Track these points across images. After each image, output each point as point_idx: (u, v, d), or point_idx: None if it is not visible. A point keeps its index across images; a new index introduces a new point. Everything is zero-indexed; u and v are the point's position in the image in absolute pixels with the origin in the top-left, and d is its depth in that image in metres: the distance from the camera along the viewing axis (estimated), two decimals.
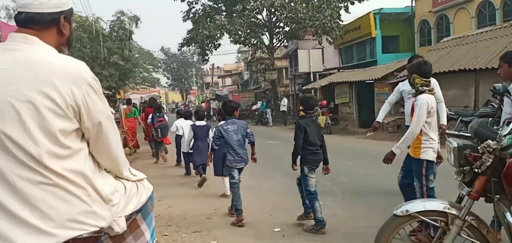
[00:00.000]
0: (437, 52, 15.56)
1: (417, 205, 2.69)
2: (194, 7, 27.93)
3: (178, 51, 39.81)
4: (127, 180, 1.78)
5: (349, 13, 25.60)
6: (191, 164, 8.40)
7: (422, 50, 18.56)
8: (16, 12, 1.60)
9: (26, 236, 1.40)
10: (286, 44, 29.07)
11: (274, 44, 27.26)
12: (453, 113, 10.86)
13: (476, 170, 2.43)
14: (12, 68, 1.45)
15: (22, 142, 1.41)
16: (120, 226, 1.62)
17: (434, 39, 20.06)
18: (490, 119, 10.40)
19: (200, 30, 25.40)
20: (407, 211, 2.64)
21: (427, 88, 3.87)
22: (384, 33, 22.51)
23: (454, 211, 2.53)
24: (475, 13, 17.93)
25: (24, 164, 1.41)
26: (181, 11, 28.11)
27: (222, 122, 5.78)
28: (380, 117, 5.54)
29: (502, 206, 2.42)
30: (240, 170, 5.31)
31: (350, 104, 18.97)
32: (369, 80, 17.35)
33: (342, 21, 24.44)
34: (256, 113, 27.32)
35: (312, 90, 21.94)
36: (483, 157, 2.38)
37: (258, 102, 29.32)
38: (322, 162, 4.86)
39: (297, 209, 5.01)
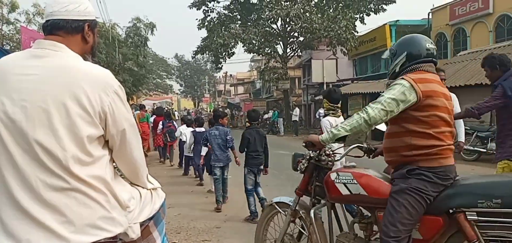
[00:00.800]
0: (454, 65, 15.35)
1: (277, 198, 3.50)
2: (209, 16, 28.19)
3: (192, 58, 40.02)
4: (143, 187, 1.80)
5: (365, 24, 25.57)
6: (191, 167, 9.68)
7: (438, 63, 18.35)
8: (44, 21, 1.64)
9: (45, 241, 1.41)
10: (300, 54, 29.07)
11: (288, 54, 27.28)
12: (468, 128, 10.68)
13: (298, 171, 3.17)
14: (42, 74, 1.47)
15: (51, 146, 1.42)
16: (135, 232, 1.63)
17: (451, 52, 19.83)
18: None
19: (214, 38, 25.55)
20: (271, 201, 3.50)
21: (332, 112, 4.62)
22: None
23: (292, 205, 3.22)
24: (493, 27, 17.68)
25: (49, 170, 1.42)
26: (197, 19, 28.38)
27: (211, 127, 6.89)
28: None
29: (323, 205, 3.08)
30: (220, 168, 6.30)
31: None
32: (383, 92, 17.13)
33: (357, 32, 24.36)
34: (268, 122, 27.27)
35: None
36: (301, 162, 3.11)
37: (270, 111, 29.29)
38: (262, 165, 5.79)
39: None
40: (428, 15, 21.57)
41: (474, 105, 4.06)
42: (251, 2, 27.72)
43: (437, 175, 2.42)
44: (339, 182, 2.79)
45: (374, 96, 17.67)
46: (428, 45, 2.63)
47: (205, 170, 8.21)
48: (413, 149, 2.47)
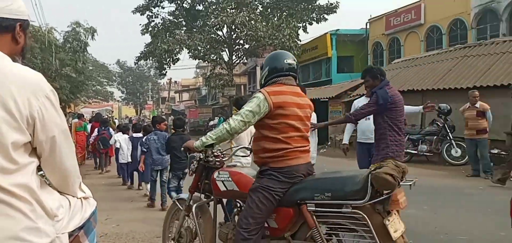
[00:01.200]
0: (388, 73, 16.05)
1: (178, 195, 3.96)
2: (153, 21, 27.59)
3: (135, 64, 38.91)
4: (73, 196, 1.71)
5: (307, 33, 26.32)
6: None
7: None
8: None
9: None
10: (246, 61, 29.28)
11: (234, 61, 27.39)
12: None
13: (191, 171, 3.52)
14: None
15: None
16: (63, 242, 1.55)
17: (386, 60, 20.98)
18: (435, 137, 10.96)
19: (158, 44, 25.04)
20: (174, 198, 3.94)
21: None
22: (340, 53, 23.25)
23: (187, 201, 3.57)
24: (424, 37, 18.98)
25: None
26: (140, 25, 27.67)
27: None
28: (346, 139, 5.97)
29: (210, 200, 3.47)
30: (158, 171, 6.70)
31: None
32: (324, 98, 17.81)
33: (300, 41, 25.02)
34: (213, 129, 27.16)
35: None
36: (193, 163, 3.48)
37: (216, 117, 29.23)
38: (186, 169, 6.02)
39: None
40: (366, 25, 22.68)
41: (351, 112, 4.46)
42: (196, 8, 27.55)
43: (284, 174, 2.80)
44: (219, 180, 3.20)
45: (315, 103, 18.18)
46: (289, 61, 3.00)
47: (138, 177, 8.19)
48: (265, 152, 2.87)
